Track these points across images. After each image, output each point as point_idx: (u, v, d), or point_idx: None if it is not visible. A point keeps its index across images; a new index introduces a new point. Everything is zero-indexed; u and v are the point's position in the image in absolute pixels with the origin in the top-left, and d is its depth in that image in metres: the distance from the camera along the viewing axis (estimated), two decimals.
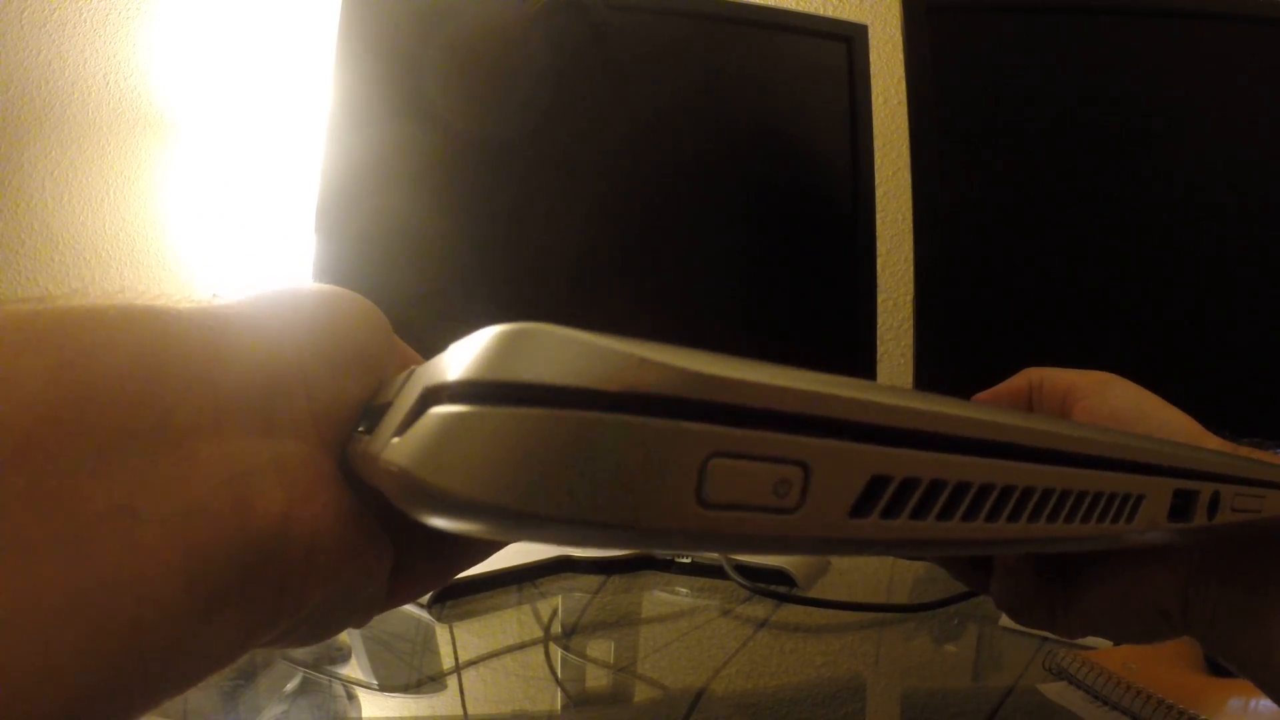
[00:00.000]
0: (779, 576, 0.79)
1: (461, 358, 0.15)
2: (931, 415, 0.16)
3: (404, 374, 0.19)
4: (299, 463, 0.20)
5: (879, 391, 0.16)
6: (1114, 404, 0.34)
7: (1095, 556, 0.35)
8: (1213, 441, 0.31)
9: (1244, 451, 0.29)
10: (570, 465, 0.13)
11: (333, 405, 0.21)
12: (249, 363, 0.20)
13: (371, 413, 0.20)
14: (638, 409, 0.13)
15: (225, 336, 0.20)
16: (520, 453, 0.13)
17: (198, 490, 0.17)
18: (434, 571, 0.26)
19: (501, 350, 0.14)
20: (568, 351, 0.13)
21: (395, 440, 0.16)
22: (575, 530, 0.13)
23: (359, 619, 0.24)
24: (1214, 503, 0.25)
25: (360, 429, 0.21)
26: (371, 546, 0.21)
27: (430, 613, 0.71)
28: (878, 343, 0.94)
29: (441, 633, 0.69)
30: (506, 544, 0.33)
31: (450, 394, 0.14)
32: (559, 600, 0.77)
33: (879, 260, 0.93)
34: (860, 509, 0.16)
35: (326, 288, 0.24)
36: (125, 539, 0.16)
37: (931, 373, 0.80)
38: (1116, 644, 0.61)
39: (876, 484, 0.16)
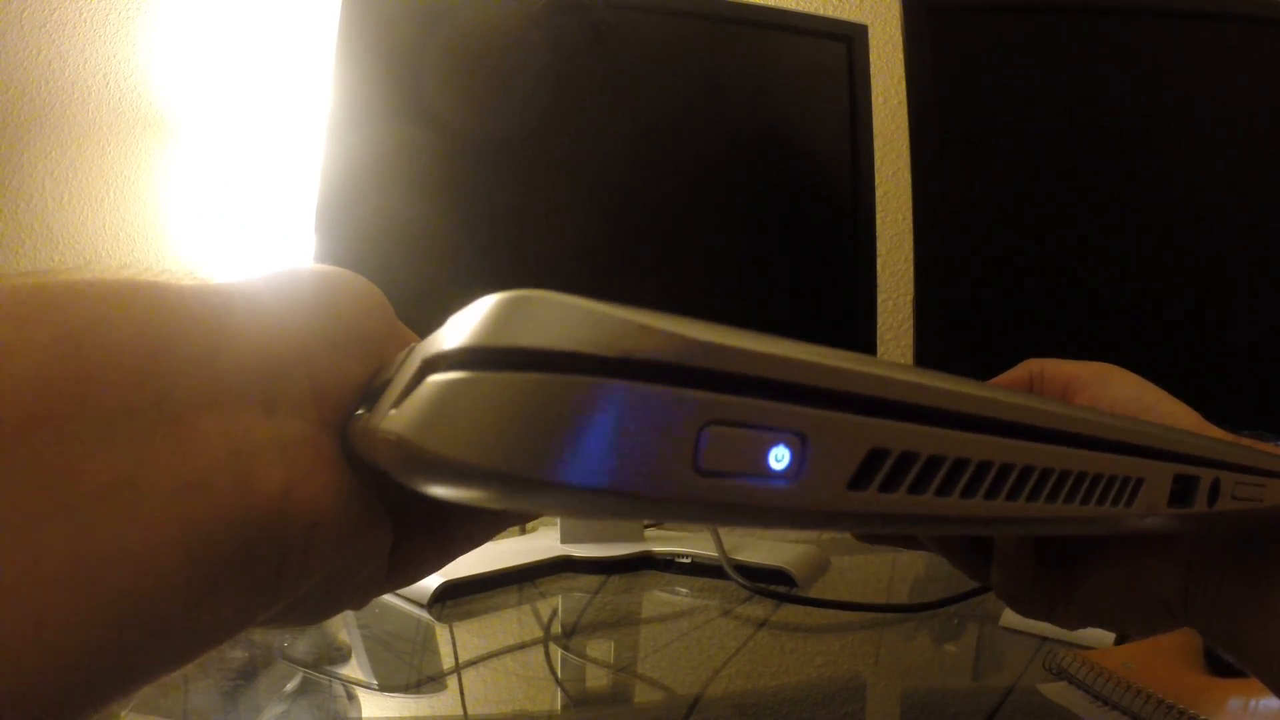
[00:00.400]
0: (779, 576, 0.79)
1: (460, 326, 0.15)
2: (932, 390, 0.16)
3: (404, 352, 0.19)
4: (300, 442, 0.20)
5: (880, 364, 0.16)
6: (1115, 395, 0.34)
7: (1096, 545, 0.35)
8: (1214, 433, 0.31)
9: (1244, 443, 0.29)
10: (567, 430, 0.13)
11: (334, 385, 0.21)
12: (251, 341, 0.20)
13: (372, 393, 0.20)
14: (635, 375, 0.13)
15: (227, 315, 0.20)
16: (517, 418, 0.13)
17: (198, 467, 0.17)
18: (433, 552, 0.25)
19: (500, 316, 0.14)
20: (566, 317, 0.13)
21: (393, 411, 0.16)
22: (571, 497, 0.13)
23: (358, 600, 0.24)
24: (1214, 490, 0.25)
25: (360, 410, 0.21)
26: (371, 526, 0.21)
27: (430, 613, 0.71)
28: (878, 343, 0.94)
29: (441, 633, 0.69)
30: (505, 521, 0.32)
31: (448, 362, 0.14)
32: (559, 600, 0.77)
33: (879, 260, 0.93)
34: (858, 482, 0.15)
35: (329, 268, 0.24)
36: (126, 513, 0.16)
37: None
38: (1117, 634, 0.61)
39: (875, 457, 0.15)
